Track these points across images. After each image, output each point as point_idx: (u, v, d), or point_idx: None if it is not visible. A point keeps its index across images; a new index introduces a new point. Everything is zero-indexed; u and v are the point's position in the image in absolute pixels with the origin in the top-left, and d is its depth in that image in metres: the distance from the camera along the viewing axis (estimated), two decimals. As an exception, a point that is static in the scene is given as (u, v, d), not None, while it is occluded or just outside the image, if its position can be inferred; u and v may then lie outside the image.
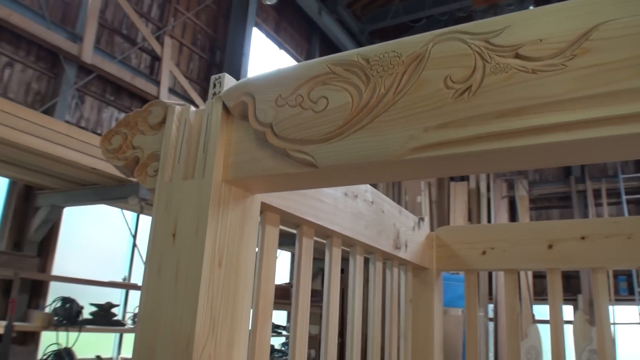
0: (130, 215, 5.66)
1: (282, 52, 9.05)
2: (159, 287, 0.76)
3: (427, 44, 0.64)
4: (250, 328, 0.85)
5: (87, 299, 4.63)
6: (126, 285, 5.52)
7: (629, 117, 0.53)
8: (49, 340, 4.30)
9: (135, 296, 5.61)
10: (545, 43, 0.57)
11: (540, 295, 8.53)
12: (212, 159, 0.77)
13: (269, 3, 7.92)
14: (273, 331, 6.76)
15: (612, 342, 1.61)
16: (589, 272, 1.61)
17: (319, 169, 0.68)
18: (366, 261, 1.38)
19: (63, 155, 3.62)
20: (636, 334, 8.53)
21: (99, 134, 5.23)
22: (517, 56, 0.58)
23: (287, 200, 0.94)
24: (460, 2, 9.42)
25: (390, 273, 1.53)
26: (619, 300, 8.74)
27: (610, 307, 7.93)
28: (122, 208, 5.25)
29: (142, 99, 6.05)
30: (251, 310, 0.85)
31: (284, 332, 6.90)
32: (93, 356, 4.90)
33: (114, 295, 5.36)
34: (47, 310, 4.41)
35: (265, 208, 0.91)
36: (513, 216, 9.80)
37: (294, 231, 1.06)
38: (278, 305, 6.14)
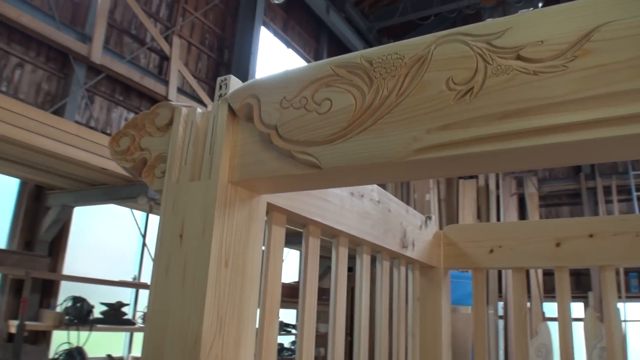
0: (140, 214, 5.69)
1: (290, 51, 9.06)
2: (166, 287, 0.77)
3: (430, 46, 0.64)
4: (257, 327, 0.86)
5: (98, 298, 4.67)
6: (136, 285, 5.55)
7: (630, 118, 0.53)
8: (60, 339, 4.35)
9: (145, 295, 5.64)
10: (547, 44, 0.58)
11: (550, 292, 8.49)
12: (218, 160, 0.78)
13: (277, 2, 7.92)
14: (282, 330, 6.78)
15: (622, 339, 1.60)
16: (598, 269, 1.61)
17: (323, 170, 0.69)
18: (374, 260, 1.39)
19: (73, 156, 3.65)
20: (648, 331, 8.48)
21: (109, 134, 5.27)
22: (519, 58, 0.59)
23: (293, 201, 0.95)
24: (468, 0, 9.38)
25: (397, 272, 1.54)
26: (630, 297, 8.68)
27: (622, 305, 7.89)
28: (131, 208, 5.29)
29: (151, 98, 6.09)
30: (258, 309, 0.86)
31: (293, 331, 6.91)
32: (104, 355, 4.94)
33: (124, 295, 5.40)
34: (58, 309, 4.46)
35: (271, 208, 0.92)
36: (522, 214, 9.75)
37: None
38: (287, 304, 6.15)
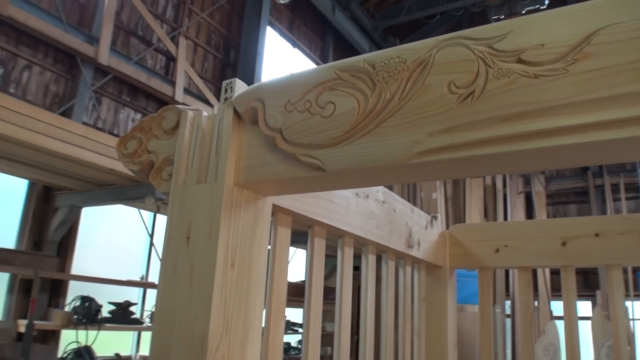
0: (147, 214, 5.72)
1: (296, 50, 9.07)
2: (174, 288, 0.78)
3: (431, 49, 0.65)
4: (263, 327, 0.87)
5: (106, 298, 4.71)
6: (144, 284, 5.59)
7: (630, 120, 0.53)
8: (68, 338, 4.38)
9: (152, 294, 5.67)
10: (547, 48, 0.58)
11: (558, 291, 8.40)
12: (224, 163, 0.79)
13: (282, 2, 7.93)
14: (290, 329, 6.80)
15: (629, 338, 1.60)
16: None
17: (327, 172, 0.70)
18: (379, 259, 1.40)
19: (81, 157, 3.68)
20: (657, 329, 8.42)
21: (116, 135, 5.30)
22: (520, 61, 0.59)
23: (298, 202, 0.96)
24: (474, -2, 9.36)
25: (403, 271, 1.55)
26: (639, 295, 8.63)
27: (630, 303, 7.84)
28: (139, 208, 5.32)
29: (157, 99, 6.12)
30: (264, 309, 0.87)
31: (300, 330, 6.93)
32: (112, 354, 4.97)
33: (132, 294, 5.43)
34: (67, 309, 4.49)
35: (276, 210, 0.93)
36: (530, 212, 9.71)
37: (309, 229, 1.08)
38: (295, 303, 6.16)
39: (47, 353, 4.23)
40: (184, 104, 6.21)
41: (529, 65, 0.59)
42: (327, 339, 5.23)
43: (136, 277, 5.66)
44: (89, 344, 4.29)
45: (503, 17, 9.02)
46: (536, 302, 8.40)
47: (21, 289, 4.41)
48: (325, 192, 1.04)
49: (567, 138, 0.56)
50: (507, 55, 0.60)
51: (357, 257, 1.21)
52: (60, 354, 4.42)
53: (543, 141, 0.57)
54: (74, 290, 4.76)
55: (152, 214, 5.85)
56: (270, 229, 0.92)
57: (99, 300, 4.49)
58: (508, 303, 8.43)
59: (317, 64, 9.40)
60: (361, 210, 1.19)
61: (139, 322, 4.95)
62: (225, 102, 0.83)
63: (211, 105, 6.59)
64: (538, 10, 8.73)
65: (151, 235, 5.72)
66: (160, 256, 0.83)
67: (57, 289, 4.76)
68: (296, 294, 5.89)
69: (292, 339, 7.10)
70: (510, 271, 8.28)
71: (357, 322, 1.31)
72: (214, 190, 0.78)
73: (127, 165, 0.93)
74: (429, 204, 9.12)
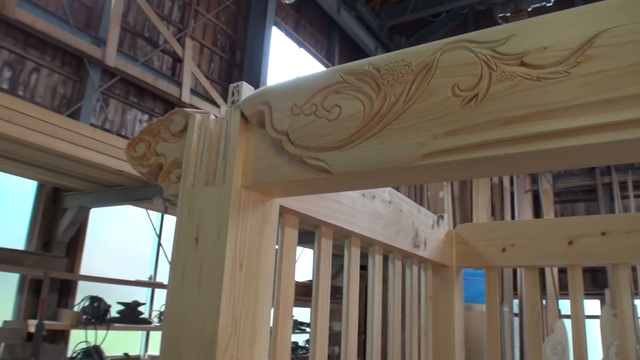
0: (155, 215, 5.75)
1: (302, 50, 9.08)
2: (183, 289, 0.79)
3: (435, 53, 0.66)
4: (271, 327, 0.88)
5: (115, 298, 4.74)
6: (152, 284, 5.61)
7: (632, 123, 0.54)
8: (78, 338, 4.41)
9: (161, 294, 5.71)
10: (550, 51, 0.59)
11: (566, 289, 8.36)
12: (231, 166, 0.80)
13: (288, 2, 7.94)
14: (297, 328, 6.82)
15: (638, 337, 1.60)
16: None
17: (333, 175, 0.71)
18: (386, 259, 1.40)
19: (89, 158, 3.70)
20: (666, 328, 8.37)
21: (124, 136, 5.34)
22: (522, 64, 0.60)
23: (305, 203, 0.97)
24: (480, -4, 9.34)
25: (409, 271, 1.55)
26: (647, 294, 8.59)
27: (638, 302, 7.79)
28: (146, 208, 5.35)
29: (164, 100, 6.15)
30: (272, 310, 0.88)
31: (308, 329, 6.94)
32: (121, 354, 5.00)
33: (140, 294, 5.47)
34: (76, 309, 4.53)
35: (284, 211, 0.94)
36: (537, 210, 9.67)
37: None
38: (302, 303, 6.17)
39: (56, 353, 4.27)
40: (190, 104, 6.23)
41: (532, 68, 0.59)
42: (335, 338, 5.24)
43: (144, 277, 5.69)
44: (98, 343, 4.32)
45: (509, 14, 8.99)
46: (544, 301, 8.38)
47: (31, 290, 4.45)
48: (331, 193, 1.05)
49: (569, 140, 0.57)
50: (510, 58, 0.61)
51: (363, 257, 1.22)
52: (69, 353, 4.45)
53: (546, 143, 0.58)
54: (83, 291, 4.79)
55: (159, 214, 5.88)
56: (278, 229, 0.93)
57: (108, 300, 4.52)
58: (516, 302, 8.41)
59: (323, 63, 9.41)
60: (368, 210, 1.20)
61: (147, 321, 4.98)
62: (233, 106, 0.84)
63: (218, 106, 6.61)
64: (544, 7, 8.70)
65: (159, 236, 5.75)
66: (169, 259, 0.85)
67: (66, 289, 4.80)
68: (304, 293, 5.89)
69: (300, 339, 7.12)
70: (518, 270, 8.26)
71: (365, 321, 1.32)
72: (222, 193, 0.80)
73: (136, 167, 0.94)
74: (435, 203, 9.11)
